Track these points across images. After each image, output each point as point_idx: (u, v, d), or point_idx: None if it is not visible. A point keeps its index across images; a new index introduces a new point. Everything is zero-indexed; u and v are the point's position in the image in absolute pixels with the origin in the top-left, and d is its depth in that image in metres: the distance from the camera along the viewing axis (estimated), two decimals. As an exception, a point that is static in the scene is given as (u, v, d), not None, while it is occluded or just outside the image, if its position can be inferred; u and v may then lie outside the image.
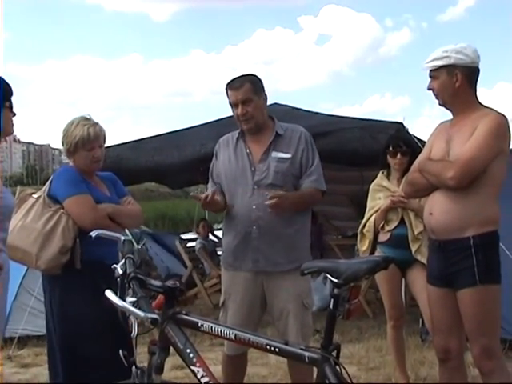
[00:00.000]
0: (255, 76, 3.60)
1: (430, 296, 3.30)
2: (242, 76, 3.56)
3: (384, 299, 4.53)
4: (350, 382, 2.24)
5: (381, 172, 4.58)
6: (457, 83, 3.13)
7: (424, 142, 3.65)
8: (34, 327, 5.91)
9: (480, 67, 3.20)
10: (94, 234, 2.95)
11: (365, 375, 4.94)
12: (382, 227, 4.41)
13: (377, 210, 4.42)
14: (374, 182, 4.60)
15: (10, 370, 5.33)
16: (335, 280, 2.24)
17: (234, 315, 3.52)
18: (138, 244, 2.74)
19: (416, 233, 4.25)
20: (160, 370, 2.42)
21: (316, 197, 3.56)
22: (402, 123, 6.64)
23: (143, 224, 10.26)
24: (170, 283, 2.45)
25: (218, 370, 3.53)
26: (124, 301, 2.33)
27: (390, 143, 4.50)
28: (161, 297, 2.47)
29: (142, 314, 2.25)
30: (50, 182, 3.44)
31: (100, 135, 3.44)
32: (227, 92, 3.55)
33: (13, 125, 2.84)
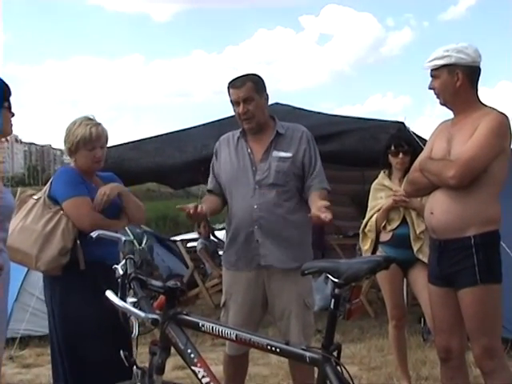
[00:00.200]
0: (257, 75, 3.60)
1: (431, 295, 3.30)
2: (244, 75, 3.56)
3: (386, 299, 4.53)
4: (351, 382, 2.24)
5: (382, 171, 4.58)
6: (458, 82, 3.13)
7: (425, 142, 3.65)
8: (35, 327, 5.91)
9: (481, 66, 3.19)
10: (94, 234, 2.95)
11: (366, 375, 4.95)
12: (384, 227, 4.40)
13: (378, 210, 4.41)
14: (376, 181, 4.60)
15: (11, 371, 5.34)
16: (336, 280, 2.24)
17: (235, 315, 3.52)
18: (140, 245, 2.74)
19: (418, 232, 4.25)
20: (161, 370, 2.42)
21: (326, 197, 3.56)
22: (403, 123, 6.63)
23: (144, 224, 10.27)
24: (171, 283, 2.45)
25: (219, 370, 3.54)
26: (125, 301, 2.33)
27: (391, 143, 4.49)
28: (162, 297, 2.47)
29: (142, 314, 2.25)
30: (51, 183, 3.44)
31: (102, 136, 3.44)
32: (229, 91, 3.55)
33: (12, 125, 2.85)
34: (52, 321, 3.39)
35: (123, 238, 2.83)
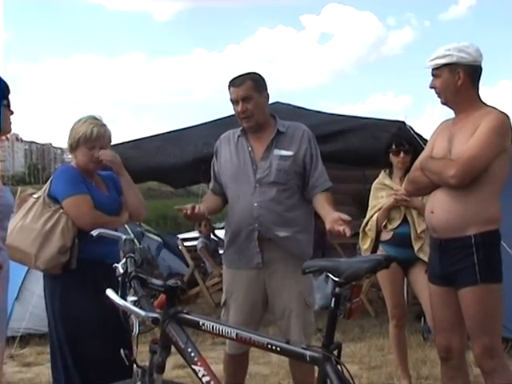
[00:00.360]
0: (258, 74, 3.60)
1: (432, 295, 3.29)
2: (245, 74, 3.56)
3: (386, 298, 4.53)
4: (351, 381, 2.24)
5: (383, 171, 4.58)
6: (459, 81, 3.13)
7: (426, 141, 3.65)
8: (35, 326, 5.91)
9: (482, 66, 3.19)
10: (95, 232, 2.95)
11: (366, 374, 4.95)
12: (385, 226, 4.40)
13: (379, 209, 4.41)
14: (377, 180, 4.59)
15: (12, 369, 5.34)
16: (336, 279, 2.24)
17: (235, 314, 3.51)
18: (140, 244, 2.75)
19: (419, 231, 4.25)
20: (161, 369, 2.42)
21: (333, 200, 3.56)
22: (404, 122, 6.63)
23: (145, 222, 10.28)
24: (171, 282, 2.45)
25: (219, 369, 3.54)
26: (125, 300, 2.33)
27: (392, 142, 4.49)
28: (162, 296, 2.47)
29: (143, 313, 2.25)
30: (50, 182, 3.44)
31: (103, 136, 3.43)
32: (229, 89, 3.55)
33: (11, 123, 2.86)
34: (52, 319, 3.38)
35: (124, 237, 2.84)
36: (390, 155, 4.47)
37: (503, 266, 3.12)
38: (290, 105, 7.85)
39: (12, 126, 2.89)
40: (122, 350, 2.39)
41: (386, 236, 4.42)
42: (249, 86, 3.47)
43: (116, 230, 3.30)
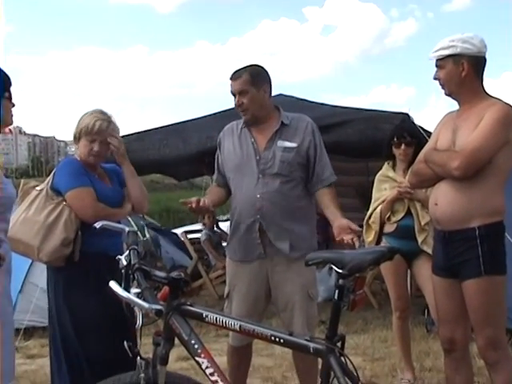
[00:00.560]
0: (259, 67, 3.59)
1: (436, 287, 3.29)
2: (244, 67, 3.55)
3: (389, 290, 4.52)
4: (354, 372, 2.24)
5: (386, 163, 4.57)
6: (463, 73, 3.11)
7: (430, 133, 3.64)
8: (39, 318, 5.92)
9: (486, 57, 3.18)
10: (98, 225, 2.95)
11: (370, 366, 4.95)
12: (388, 218, 4.40)
13: (383, 201, 4.41)
14: (380, 172, 4.59)
15: (16, 361, 5.32)
16: (340, 270, 2.24)
17: (238, 306, 3.52)
18: (143, 236, 2.74)
19: (422, 223, 4.24)
20: (165, 361, 2.42)
21: (336, 195, 3.56)
22: (407, 114, 6.61)
23: (148, 215, 10.28)
24: (174, 274, 2.45)
25: (223, 360, 3.54)
26: (128, 292, 2.33)
27: (394, 134, 4.49)
28: (166, 288, 2.47)
29: (146, 305, 2.24)
30: (53, 175, 3.44)
31: (104, 131, 3.41)
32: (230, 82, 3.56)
33: (12, 115, 2.86)
34: (55, 312, 3.38)
35: (127, 229, 2.83)
36: (393, 147, 4.46)
37: (507, 258, 3.12)
38: (293, 97, 7.82)
39: (13, 119, 2.89)
40: (125, 342, 2.39)
41: (389, 228, 4.42)
42: (244, 80, 3.48)
43: (119, 223, 3.30)
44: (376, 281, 7.38)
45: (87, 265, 3.29)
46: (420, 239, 4.25)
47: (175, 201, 3.77)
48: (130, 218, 7.22)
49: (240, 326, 2.40)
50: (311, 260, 2.42)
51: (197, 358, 2.40)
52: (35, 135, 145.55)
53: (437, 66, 3.21)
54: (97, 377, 2.61)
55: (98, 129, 3.39)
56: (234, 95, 3.53)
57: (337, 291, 2.26)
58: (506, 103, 3.11)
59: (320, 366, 2.34)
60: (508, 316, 3.28)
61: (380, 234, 4.44)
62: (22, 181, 3.55)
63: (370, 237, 4.48)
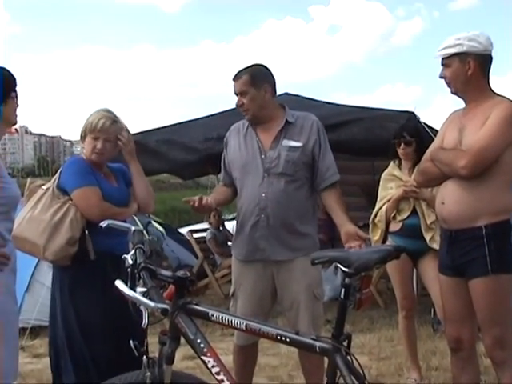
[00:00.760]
0: (261, 67, 3.60)
1: (442, 286, 3.28)
2: (247, 67, 3.57)
3: (395, 289, 4.52)
4: (361, 372, 2.23)
5: (392, 162, 4.57)
6: (469, 71, 3.10)
7: (436, 132, 3.62)
8: (46, 317, 5.87)
9: (493, 55, 3.17)
10: (104, 224, 2.95)
11: (376, 365, 4.94)
12: (394, 217, 4.39)
13: (388, 200, 4.40)
14: (386, 171, 4.58)
15: (22, 360, 5.34)
16: (346, 269, 2.23)
17: (244, 305, 3.51)
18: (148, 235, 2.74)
19: (429, 222, 4.23)
20: (171, 360, 2.42)
21: (341, 194, 3.58)
22: (413, 112, 6.59)
23: (154, 214, 10.28)
24: (180, 273, 2.45)
25: (228, 360, 3.54)
26: (134, 291, 2.33)
27: (395, 133, 4.50)
28: (171, 287, 2.47)
29: (152, 304, 2.24)
30: (60, 173, 3.44)
31: (107, 130, 3.40)
32: None
33: (16, 115, 2.87)
34: (60, 311, 3.38)
35: (133, 228, 2.83)
36: (395, 146, 4.46)
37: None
38: (298, 96, 7.81)
39: (18, 119, 2.91)
40: (131, 341, 2.39)
41: (395, 227, 4.41)
42: (244, 81, 3.50)
43: (125, 222, 3.30)
44: (382, 280, 7.37)
45: (93, 264, 3.30)
46: (428, 237, 4.24)
47: (181, 200, 3.77)
48: (135, 217, 7.22)
49: (246, 325, 2.40)
50: (317, 259, 2.41)
51: (203, 357, 2.39)
52: (41, 135, 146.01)
53: (443, 64, 3.20)
54: (102, 376, 2.62)
55: (102, 127, 3.39)
56: (235, 95, 3.56)
57: (343, 290, 2.25)
58: (512, 101, 3.10)
59: (326, 365, 2.33)
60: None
61: (386, 232, 4.43)
62: (29, 180, 3.56)
63: (376, 235, 4.47)
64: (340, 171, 3.57)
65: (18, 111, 2.87)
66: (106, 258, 3.25)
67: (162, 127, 7.95)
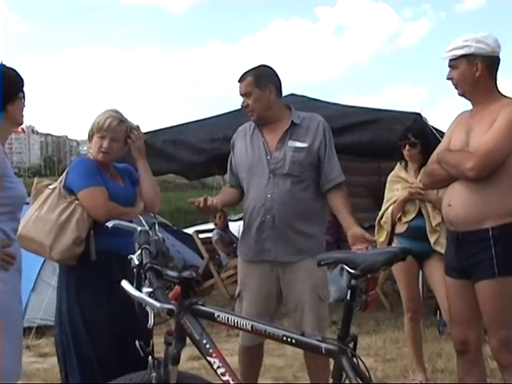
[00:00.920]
0: (266, 67, 3.61)
1: (448, 288, 3.27)
2: (252, 68, 3.58)
3: (401, 291, 4.51)
4: (366, 373, 2.23)
5: (398, 163, 4.56)
6: (477, 73, 3.09)
7: (443, 133, 3.62)
8: (52, 317, 5.88)
9: (500, 56, 3.15)
10: (110, 224, 2.95)
11: (382, 367, 4.94)
12: (399, 219, 4.39)
13: (394, 202, 4.39)
14: (392, 173, 4.57)
15: (28, 360, 5.37)
16: (352, 271, 2.22)
17: (249, 306, 3.51)
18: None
19: (434, 224, 4.23)
20: (176, 360, 2.42)
21: (348, 195, 3.58)
22: (419, 114, 6.58)
23: (160, 215, 10.29)
24: (186, 274, 2.45)
25: (234, 360, 3.55)
26: (140, 291, 2.33)
27: (400, 135, 4.50)
28: (177, 287, 2.47)
29: (158, 304, 2.24)
30: (67, 173, 3.44)
31: (114, 129, 3.40)
32: None
33: (23, 116, 2.89)
34: (66, 311, 3.38)
35: (139, 228, 2.83)
36: (401, 148, 4.46)
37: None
38: (304, 96, 7.81)
39: (24, 119, 2.93)
40: (137, 342, 2.39)
41: (400, 229, 4.41)
42: (248, 82, 3.51)
43: (131, 222, 3.30)
44: (388, 281, 7.36)
45: (99, 264, 3.30)
46: (432, 240, 4.23)
47: (186, 201, 3.77)
48: (141, 218, 7.23)
49: (252, 326, 2.39)
50: (323, 260, 2.41)
51: (208, 358, 2.39)
52: (48, 134, 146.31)
53: (450, 66, 3.19)
54: (108, 376, 2.62)
55: (109, 126, 3.39)
56: (242, 97, 3.57)
57: (349, 292, 2.24)
58: (520, 103, 3.09)
59: (332, 367, 2.33)
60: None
61: (391, 234, 4.43)
62: (36, 179, 3.56)
63: (381, 237, 4.47)
64: (346, 172, 3.57)
65: (25, 111, 2.88)
66: (112, 258, 3.25)
67: (169, 127, 7.96)
